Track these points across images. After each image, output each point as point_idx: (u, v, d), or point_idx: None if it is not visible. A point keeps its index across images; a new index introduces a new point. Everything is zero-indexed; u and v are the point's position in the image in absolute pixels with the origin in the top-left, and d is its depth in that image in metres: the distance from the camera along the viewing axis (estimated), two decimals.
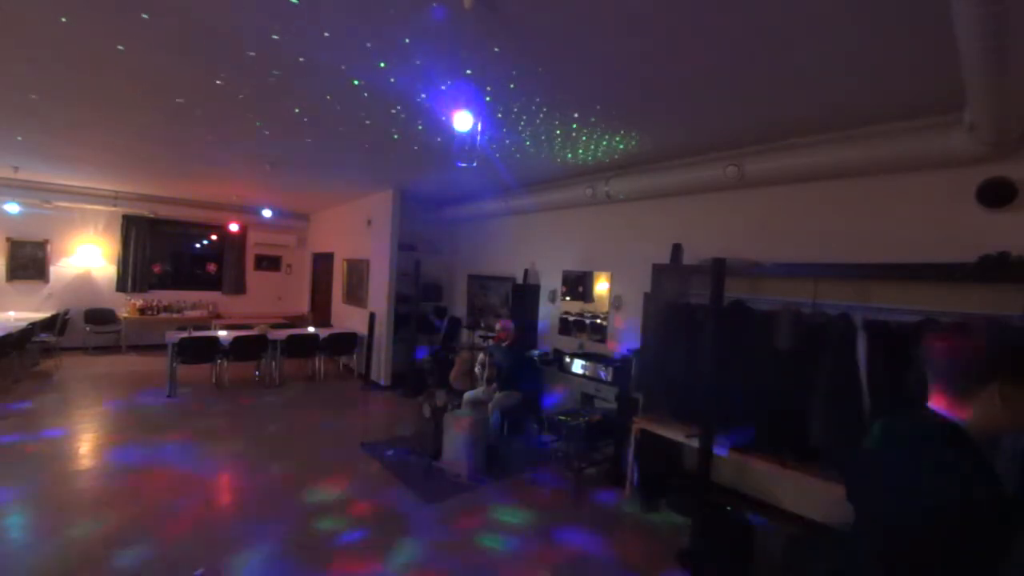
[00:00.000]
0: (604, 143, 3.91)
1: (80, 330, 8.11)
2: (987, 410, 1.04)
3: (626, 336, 4.71)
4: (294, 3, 2.13)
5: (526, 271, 6.07)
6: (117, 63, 2.85)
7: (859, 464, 1.25)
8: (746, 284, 3.59)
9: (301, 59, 2.67)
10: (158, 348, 7.46)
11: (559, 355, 5.19)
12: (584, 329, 5.25)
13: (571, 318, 5.40)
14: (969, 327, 1.10)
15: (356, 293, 7.73)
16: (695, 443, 3.26)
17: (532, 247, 6.09)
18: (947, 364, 1.10)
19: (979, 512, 0.96)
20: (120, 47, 2.64)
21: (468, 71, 2.70)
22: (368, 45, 2.47)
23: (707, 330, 3.17)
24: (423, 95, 3.06)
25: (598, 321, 5.11)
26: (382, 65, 2.67)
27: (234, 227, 8.92)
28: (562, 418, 4.19)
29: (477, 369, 5.41)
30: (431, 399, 4.35)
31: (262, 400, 6.00)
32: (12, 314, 7.16)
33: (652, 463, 3.80)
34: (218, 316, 9.19)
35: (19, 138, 4.78)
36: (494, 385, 4.86)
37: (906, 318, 2.78)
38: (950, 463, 1.04)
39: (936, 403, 1.10)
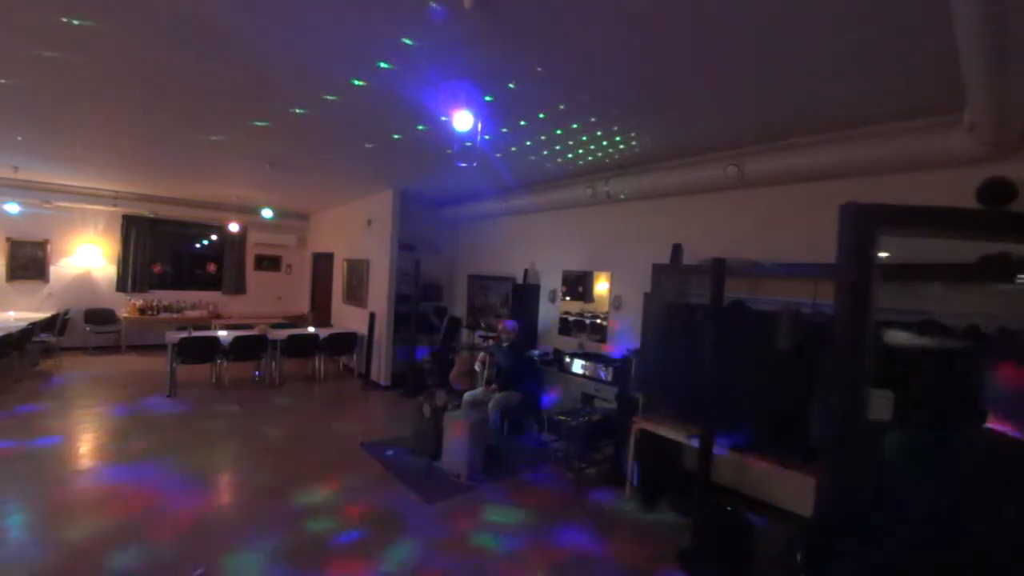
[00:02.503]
0: (604, 143, 3.91)
1: (80, 330, 8.11)
2: None
3: (626, 336, 4.71)
4: (296, 2, 2.13)
5: (526, 271, 6.07)
6: (117, 63, 2.85)
7: (880, 479, 1.18)
8: (746, 284, 3.59)
9: (302, 59, 2.68)
10: (158, 348, 7.45)
11: (559, 355, 5.20)
12: (584, 329, 5.25)
13: (571, 318, 5.40)
14: None
15: (356, 293, 7.73)
16: (695, 443, 3.26)
17: (532, 247, 6.09)
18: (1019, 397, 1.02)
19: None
20: (120, 47, 2.64)
21: (468, 71, 2.70)
22: (369, 45, 2.48)
23: (707, 330, 3.16)
24: (423, 95, 3.06)
25: (598, 321, 5.11)
26: (382, 65, 2.67)
27: (234, 227, 8.89)
28: (562, 418, 4.18)
29: (477, 368, 5.41)
30: (431, 399, 4.35)
31: (262, 400, 6.00)
32: (12, 314, 7.16)
33: (652, 463, 3.80)
34: (218, 316, 9.18)
35: (19, 138, 4.78)
36: (494, 385, 4.86)
37: (906, 318, 2.77)
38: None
39: (997, 424, 1.03)
